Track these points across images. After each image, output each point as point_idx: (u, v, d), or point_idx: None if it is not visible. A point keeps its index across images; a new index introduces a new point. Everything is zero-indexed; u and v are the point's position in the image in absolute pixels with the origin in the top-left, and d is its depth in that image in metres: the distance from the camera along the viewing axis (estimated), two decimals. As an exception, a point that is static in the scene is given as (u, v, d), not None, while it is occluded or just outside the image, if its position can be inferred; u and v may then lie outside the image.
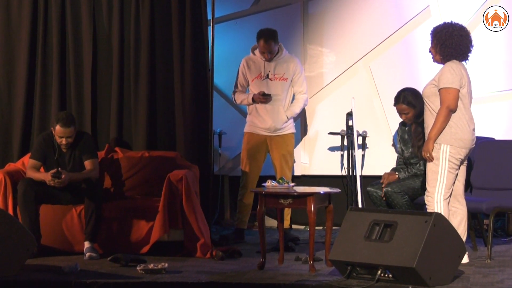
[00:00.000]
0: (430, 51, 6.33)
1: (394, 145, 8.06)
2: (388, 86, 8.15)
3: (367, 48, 8.32)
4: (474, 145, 6.22)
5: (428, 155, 6.13)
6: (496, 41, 8.04)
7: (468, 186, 6.94)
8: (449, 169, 6.09)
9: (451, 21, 6.31)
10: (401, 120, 7.30)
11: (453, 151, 6.08)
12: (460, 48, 6.18)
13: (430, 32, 6.34)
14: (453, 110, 6.07)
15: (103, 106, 7.59)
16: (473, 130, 6.20)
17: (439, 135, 6.09)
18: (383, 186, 7.05)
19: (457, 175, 6.19)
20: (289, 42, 8.41)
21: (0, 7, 7.62)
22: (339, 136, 8.13)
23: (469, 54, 6.26)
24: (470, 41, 6.25)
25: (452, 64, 6.16)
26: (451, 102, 6.07)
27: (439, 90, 6.10)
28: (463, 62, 6.25)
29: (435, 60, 6.31)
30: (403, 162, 7.25)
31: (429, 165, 6.16)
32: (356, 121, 7.90)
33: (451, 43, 6.17)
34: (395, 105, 7.19)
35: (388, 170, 7.28)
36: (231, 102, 8.17)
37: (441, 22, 7.81)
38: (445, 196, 6.10)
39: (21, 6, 7.60)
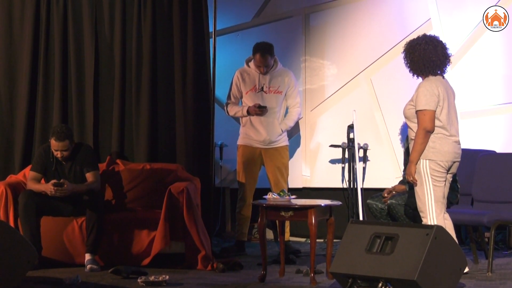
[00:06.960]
0: None
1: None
2: (389, 99, 8.16)
3: (369, 61, 8.32)
4: (458, 158, 6.15)
5: (411, 178, 6.09)
6: (497, 54, 8.03)
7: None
8: (433, 182, 6.04)
9: (423, 35, 6.21)
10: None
11: (432, 165, 6.02)
12: (424, 63, 6.07)
13: None
14: (430, 131, 6.01)
15: (105, 118, 7.60)
16: (456, 142, 6.12)
17: (420, 156, 6.03)
18: (386, 196, 7.01)
19: (445, 186, 6.14)
20: (290, 55, 8.43)
21: (2, 18, 7.64)
22: (340, 149, 8.12)
23: (443, 68, 6.13)
24: (439, 54, 6.10)
25: (426, 84, 6.08)
26: (427, 124, 6.00)
27: (416, 112, 6.05)
28: (441, 75, 6.14)
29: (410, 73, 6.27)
30: None
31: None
32: (357, 133, 7.90)
33: (412, 58, 6.11)
34: None
35: (389, 183, 7.27)
36: (232, 114, 8.18)
37: (442, 34, 7.89)
38: (437, 210, 6.05)
39: (23, 17, 7.62)
